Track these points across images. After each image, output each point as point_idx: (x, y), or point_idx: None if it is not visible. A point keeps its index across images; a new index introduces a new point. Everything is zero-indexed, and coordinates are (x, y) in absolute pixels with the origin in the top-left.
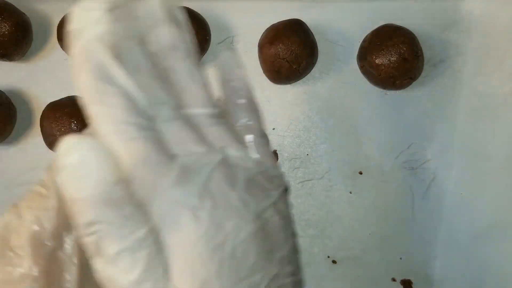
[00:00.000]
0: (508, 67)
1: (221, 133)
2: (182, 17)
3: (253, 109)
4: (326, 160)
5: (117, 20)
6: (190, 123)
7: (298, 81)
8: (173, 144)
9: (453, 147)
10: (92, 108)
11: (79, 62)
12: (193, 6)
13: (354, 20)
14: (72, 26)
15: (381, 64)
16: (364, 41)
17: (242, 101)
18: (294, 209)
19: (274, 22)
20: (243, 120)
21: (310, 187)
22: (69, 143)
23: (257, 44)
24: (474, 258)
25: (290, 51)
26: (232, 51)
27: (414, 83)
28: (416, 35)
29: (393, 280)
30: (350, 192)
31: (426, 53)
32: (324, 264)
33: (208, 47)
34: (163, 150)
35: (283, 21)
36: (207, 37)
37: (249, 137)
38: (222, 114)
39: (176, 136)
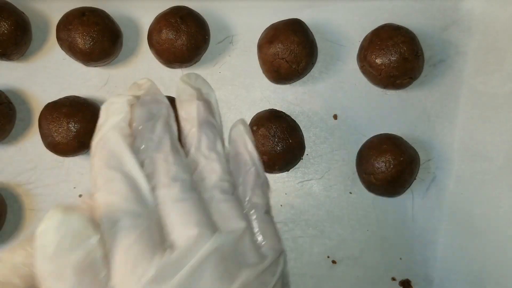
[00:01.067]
0: (508, 67)
1: (230, 210)
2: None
3: (259, 184)
4: (326, 160)
5: (140, 105)
6: (200, 202)
7: (297, 81)
8: (172, 226)
9: (453, 147)
10: (97, 195)
11: (95, 151)
12: (193, 6)
13: (354, 19)
14: (99, 121)
15: (381, 63)
16: (364, 40)
17: (251, 176)
18: (293, 209)
19: (274, 22)
20: (249, 195)
21: (310, 187)
22: (49, 222)
23: (257, 43)
24: (474, 258)
25: (290, 51)
26: (244, 124)
27: (414, 82)
28: (416, 34)
29: (393, 279)
30: (350, 192)
31: (426, 52)
32: (323, 264)
33: (208, 46)
34: (150, 241)
35: (282, 20)
36: (206, 37)
37: (251, 213)
38: (234, 189)
39: (177, 218)
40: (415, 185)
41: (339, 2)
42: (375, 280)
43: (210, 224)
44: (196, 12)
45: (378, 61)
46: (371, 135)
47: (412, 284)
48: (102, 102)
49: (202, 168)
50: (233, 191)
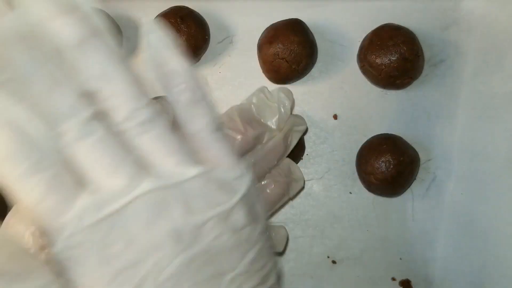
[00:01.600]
0: (508, 67)
1: (154, 145)
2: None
3: (198, 99)
4: (326, 160)
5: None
6: (110, 137)
7: (297, 81)
8: (86, 170)
9: (453, 147)
10: None
11: None
12: (192, 6)
13: (354, 19)
14: None
15: (381, 63)
16: (364, 40)
17: (184, 96)
18: (293, 209)
19: (274, 22)
20: (185, 115)
21: (310, 187)
22: None
23: (257, 44)
24: (474, 258)
25: (290, 51)
26: (159, 29)
27: (414, 82)
28: (416, 34)
29: (393, 279)
30: (350, 192)
31: (426, 52)
32: (323, 264)
33: (207, 47)
34: (64, 190)
35: (282, 20)
36: (206, 37)
37: (199, 135)
38: (156, 115)
39: (87, 159)
40: (415, 185)
41: (339, 2)
42: (375, 280)
43: (127, 168)
44: (196, 12)
45: (378, 61)
46: (371, 135)
47: (412, 284)
48: None
49: (108, 91)
50: (155, 117)
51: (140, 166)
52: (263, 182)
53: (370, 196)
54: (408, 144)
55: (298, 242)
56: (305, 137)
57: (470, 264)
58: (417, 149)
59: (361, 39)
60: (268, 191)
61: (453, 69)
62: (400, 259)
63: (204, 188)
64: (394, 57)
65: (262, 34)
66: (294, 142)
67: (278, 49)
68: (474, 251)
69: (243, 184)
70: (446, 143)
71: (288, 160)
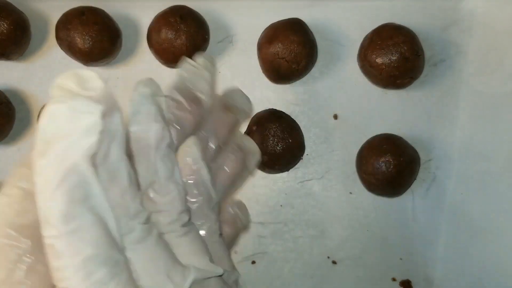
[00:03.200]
0: (509, 67)
1: (194, 245)
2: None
3: (210, 206)
4: (326, 160)
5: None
6: (160, 240)
7: (298, 81)
8: (140, 274)
9: (453, 147)
10: (57, 239)
11: (51, 178)
12: (192, 5)
13: (355, 19)
14: (48, 121)
15: (382, 63)
16: (364, 40)
17: (200, 202)
18: (293, 209)
19: (274, 21)
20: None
21: (310, 187)
22: None
23: (256, 43)
24: (474, 258)
25: (289, 50)
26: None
27: (414, 82)
28: (416, 34)
29: (393, 280)
30: (350, 193)
31: (427, 52)
32: (324, 265)
33: (207, 46)
34: None
35: (282, 20)
36: (206, 36)
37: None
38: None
39: (143, 264)
40: (415, 185)
41: (340, 2)
42: (375, 280)
43: (179, 269)
44: (195, 11)
45: (379, 60)
46: (371, 135)
47: (413, 284)
48: None
49: (159, 201)
50: (190, 223)
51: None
52: (219, 160)
53: (370, 196)
54: (409, 144)
55: (298, 243)
56: (305, 137)
57: (470, 264)
58: (417, 149)
59: (361, 39)
60: (226, 168)
61: (453, 69)
62: (401, 259)
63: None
64: (395, 56)
65: (262, 33)
66: (241, 114)
67: (278, 49)
68: (475, 251)
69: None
70: (446, 143)
71: (239, 133)
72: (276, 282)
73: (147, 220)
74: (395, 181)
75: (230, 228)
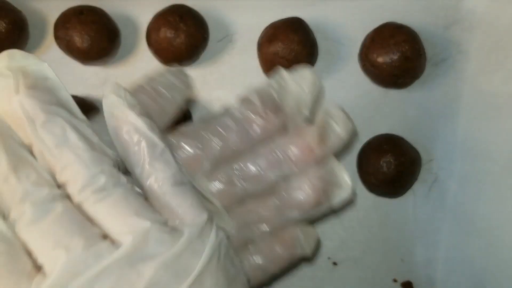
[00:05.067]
0: (511, 66)
1: (110, 213)
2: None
3: (157, 155)
4: None
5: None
6: (68, 213)
7: None
8: (38, 253)
9: (455, 147)
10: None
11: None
12: (192, 4)
13: (355, 18)
14: None
15: (383, 62)
16: (365, 39)
17: (143, 152)
18: None
19: (274, 21)
20: (146, 175)
21: None
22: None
23: (256, 42)
24: (476, 259)
25: (290, 50)
26: (116, 91)
27: (416, 82)
28: (418, 33)
29: (395, 281)
30: None
31: (428, 51)
32: (324, 266)
33: (207, 45)
34: (14, 277)
35: (282, 19)
36: (206, 36)
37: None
38: (114, 178)
39: (39, 242)
40: (416, 186)
41: (340, 1)
42: (376, 281)
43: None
44: (195, 10)
45: (380, 60)
46: (372, 135)
47: (414, 285)
48: (99, 101)
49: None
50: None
51: (98, 239)
52: (293, 183)
53: (371, 196)
54: (410, 144)
55: None
56: None
57: (472, 265)
58: (418, 150)
59: (362, 38)
60: (297, 196)
61: (455, 68)
62: (402, 260)
63: (168, 252)
64: (396, 56)
65: (262, 33)
66: (334, 141)
67: (278, 48)
68: (477, 252)
69: (209, 241)
70: (448, 143)
71: (333, 160)
72: (276, 283)
73: (45, 198)
74: (396, 182)
75: (283, 249)
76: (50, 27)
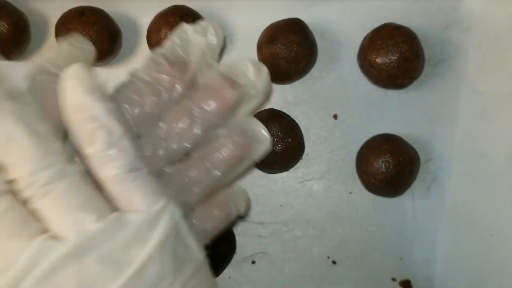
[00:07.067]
0: (509, 67)
1: (54, 207)
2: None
3: (112, 143)
4: (326, 160)
5: None
6: (11, 210)
7: (297, 81)
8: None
9: (454, 147)
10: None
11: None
12: (192, 5)
13: (354, 19)
14: None
15: (382, 63)
16: (364, 40)
17: (99, 141)
18: (293, 209)
19: (273, 21)
20: (99, 166)
21: (310, 187)
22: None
23: (256, 43)
24: (475, 259)
25: (289, 50)
26: (77, 72)
27: (414, 82)
28: (416, 34)
29: (393, 280)
30: (350, 193)
31: (427, 52)
32: (324, 265)
33: None
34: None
35: (282, 20)
36: None
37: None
38: (60, 172)
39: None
40: (415, 185)
41: (339, 2)
42: (375, 280)
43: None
44: (195, 11)
45: (379, 60)
46: (371, 135)
47: (413, 284)
48: None
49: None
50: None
51: (38, 237)
52: (215, 143)
53: (370, 196)
54: (408, 144)
55: (298, 243)
56: (305, 137)
57: (470, 265)
58: (417, 149)
59: (361, 39)
60: (222, 152)
61: (454, 69)
62: (401, 259)
63: (111, 243)
64: (395, 56)
65: (261, 33)
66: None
67: (278, 49)
68: (475, 251)
69: (158, 229)
70: (446, 143)
71: (250, 118)
72: (276, 282)
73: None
74: (395, 181)
75: (220, 211)
76: (52, 28)
